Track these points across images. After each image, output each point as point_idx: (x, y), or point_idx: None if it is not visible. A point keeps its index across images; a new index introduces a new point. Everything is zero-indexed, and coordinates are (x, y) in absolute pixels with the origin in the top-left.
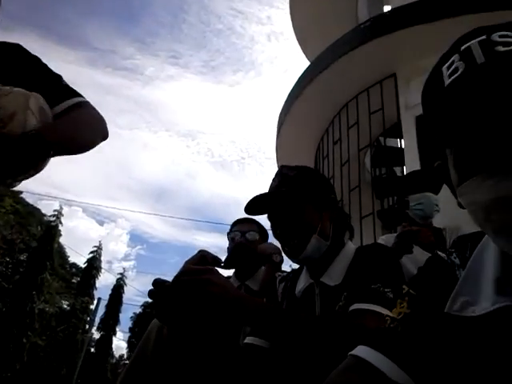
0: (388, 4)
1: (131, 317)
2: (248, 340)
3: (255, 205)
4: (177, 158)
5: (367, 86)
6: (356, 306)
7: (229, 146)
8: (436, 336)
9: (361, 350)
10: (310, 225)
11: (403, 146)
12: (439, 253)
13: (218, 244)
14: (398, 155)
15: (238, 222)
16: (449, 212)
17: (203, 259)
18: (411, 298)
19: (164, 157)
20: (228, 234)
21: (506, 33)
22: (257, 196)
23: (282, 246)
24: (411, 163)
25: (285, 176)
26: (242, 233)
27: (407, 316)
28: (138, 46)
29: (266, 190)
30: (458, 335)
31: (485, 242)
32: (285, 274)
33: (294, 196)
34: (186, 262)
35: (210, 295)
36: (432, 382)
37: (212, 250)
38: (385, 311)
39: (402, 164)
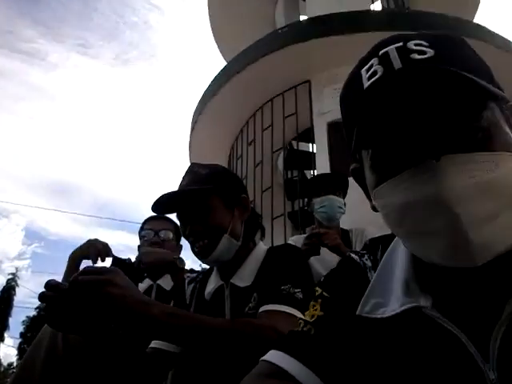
0: (304, 14)
1: (23, 321)
2: (154, 344)
3: (164, 203)
4: (80, 151)
5: (283, 90)
6: (266, 307)
7: (139, 142)
8: (347, 339)
9: (273, 355)
10: (221, 224)
11: (315, 151)
12: (352, 254)
13: (124, 242)
14: (310, 159)
15: (151, 219)
16: (355, 214)
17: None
18: (324, 300)
19: (66, 149)
20: (139, 232)
21: (420, 41)
22: (166, 194)
23: (191, 246)
24: (322, 167)
25: (195, 174)
26: (154, 231)
27: (320, 319)
28: (41, 30)
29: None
30: (368, 337)
31: (395, 245)
32: (194, 275)
33: (204, 194)
34: (73, 253)
35: (109, 297)
36: None
37: (117, 249)
38: (295, 312)
39: (313, 168)
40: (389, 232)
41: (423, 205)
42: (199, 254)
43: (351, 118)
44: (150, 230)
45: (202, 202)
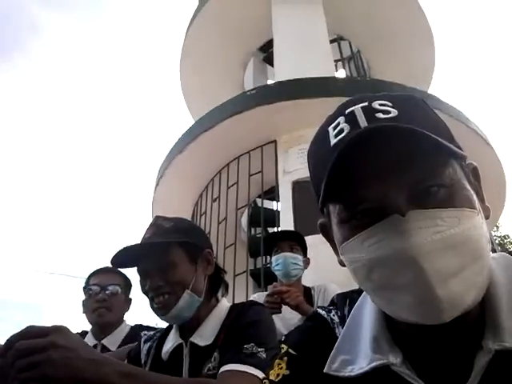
0: (272, 79)
1: None
2: None
3: (125, 256)
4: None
5: (249, 149)
6: (227, 366)
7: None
8: None
9: None
10: (183, 280)
11: (279, 209)
12: (319, 310)
13: None
14: (274, 217)
15: (97, 273)
16: (318, 271)
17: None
18: (291, 358)
19: None
20: (84, 288)
21: (384, 102)
22: (127, 247)
23: (150, 302)
24: (286, 225)
25: (159, 226)
26: (101, 287)
27: (286, 378)
28: None
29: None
30: None
31: (363, 300)
32: (151, 333)
33: (167, 248)
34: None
35: (50, 363)
36: None
37: None
38: (257, 372)
39: (277, 225)
40: (345, 290)
41: (390, 260)
42: (158, 310)
43: (319, 173)
44: (96, 286)
45: (163, 255)
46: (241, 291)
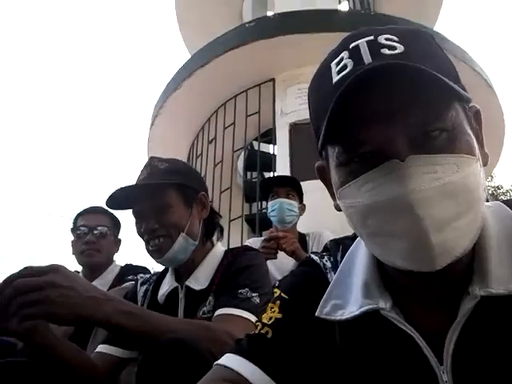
0: (272, 10)
1: None
2: (100, 349)
3: (119, 198)
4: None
5: (247, 87)
6: (221, 310)
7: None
8: (305, 342)
9: (228, 359)
10: (178, 222)
11: (275, 152)
12: (312, 256)
13: None
14: (270, 161)
15: (84, 213)
16: (312, 218)
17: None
18: (283, 302)
19: None
20: (72, 229)
21: (390, 36)
22: (121, 188)
23: (145, 245)
24: (282, 169)
25: (154, 168)
26: (89, 228)
27: (278, 321)
28: None
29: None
30: (326, 339)
31: (356, 247)
32: (147, 276)
33: (162, 190)
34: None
35: (49, 301)
36: None
37: None
38: (251, 316)
39: (274, 170)
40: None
41: (387, 206)
42: (154, 253)
43: (319, 112)
44: (84, 227)
45: (158, 197)
46: (236, 236)
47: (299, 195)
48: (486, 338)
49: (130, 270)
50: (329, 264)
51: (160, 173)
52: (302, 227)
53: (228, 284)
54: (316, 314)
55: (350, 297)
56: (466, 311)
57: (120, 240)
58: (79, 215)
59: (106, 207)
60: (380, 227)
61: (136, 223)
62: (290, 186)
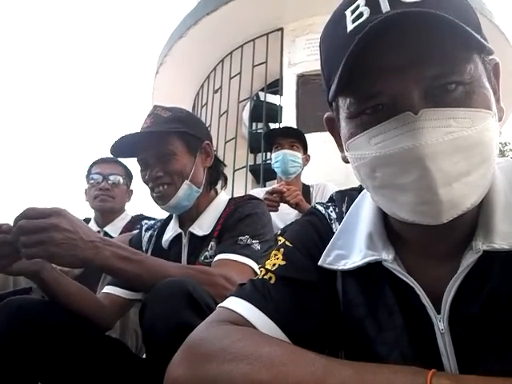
0: None
1: None
2: (106, 289)
3: (123, 146)
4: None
5: (254, 37)
6: (221, 256)
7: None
8: (307, 289)
9: (231, 302)
10: (183, 170)
11: (282, 104)
12: (317, 206)
13: None
14: (276, 112)
15: (99, 162)
16: (317, 170)
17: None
18: (287, 249)
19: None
20: (87, 175)
21: None
22: (125, 136)
23: (150, 192)
24: (288, 121)
25: (158, 116)
26: (103, 176)
27: (281, 268)
28: None
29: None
30: (328, 287)
31: (361, 199)
32: (151, 222)
33: (166, 137)
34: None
35: (54, 243)
36: (302, 334)
37: None
38: (250, 262)
39: (279, 121)
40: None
41: (397, 158)
42: (158, 199)
43: (332, 60)
44: (98, 175)
45: (162, 145)
46: (240, 186)
47: (303, 146)
48: (484, 292)
49: (140, 220)
50: (334, 215)
51: (163, 121)
52: (306, 179)
53: (230, 231)
54: (319, 263)
55: (353, 247)
56: (467, 264)
57: (132, 191)
58: (94, 164)
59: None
60: (388, 180)
61: (141, 171)
62: (294, 138)
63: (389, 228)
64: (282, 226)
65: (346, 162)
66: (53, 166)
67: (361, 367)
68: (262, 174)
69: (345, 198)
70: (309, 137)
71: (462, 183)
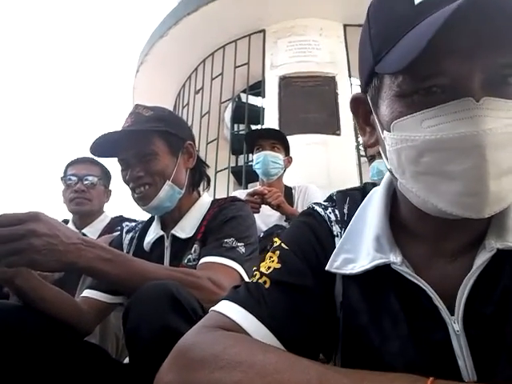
0: None
1: None
2: (86, 293)
3: (103, 145)
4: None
5: (236, 37)
6: (206, 258)
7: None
8: (304, 293)
9: (224, 306)
10: (164, 170)
11: (264, 105)
12: (316, 207)
13: None
14: (258, 113)
15: (74, 163)
16: (299, 172)
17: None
18: (283, 252)
19: None
20: (62, 177)
21: None
22: (105, 134)
23: (131, 192)
24: (270, 123)
25: (139, 115)
26: (78, 177)
27: (276, 271)
28: None
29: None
30: (325, 293)
31: (368, 201)
32: (132, 224)
33: (147, 137)
34: None
35: (32, 250)
36: (296, 340)
37: None
38: (235, 265)
39: (261, 123)
40: (325, 192)
41: (453, 144)
42: (139, 200)
43: (388, 32)
44: (74, 176)
45: (144, 145)
46: (221, 188)
47: (285, 148)
48: (498, 291)
49: (120, 222)
50: (333, 216)
51: (145, 120)
52: (288, 181)
53: (214, 233)
54: (326, 268)
55: (360, 251)
56: (481, 263)
57: (110, 191)
58: (69, 165)
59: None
60: (435, 166)
61: (121, 171)
62: (275, 139)
63: (395, 230)
64: (264, 229)
65: (370, 146)
66: (29, 167)
67: (358, 375)
68: (244, 175)
69: (346, 199)
70: (291, 139)
71: (509, 179)
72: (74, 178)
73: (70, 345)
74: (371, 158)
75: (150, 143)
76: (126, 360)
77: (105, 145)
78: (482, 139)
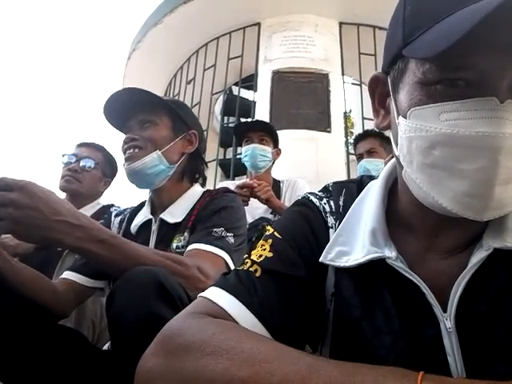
0: None
1: None
2: (65, 275)
3: (114, 109)
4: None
5: (230, 29)
6: (195, 245)
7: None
8: (294, 283)
9: (213, 293)
10: (158, 140)
11: (255, 99)
12: (311, 197)
13: None
14: (249, 107)
15: (80, 146)
16: (289, 167)
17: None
18: (275, 241)
19: None
20: (63, 155)
21: None
22: (119, 91)
23: (123, 152)
24: (261, 117)
25: (153, 94)
26: (77, 158)
27: (268, 260)
28: None
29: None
30: (316, 284)
31: (365, 194)
32: (121, 208)
33: (155, 109)
34: None
35: (14, 221)
36: (283, 330)
37: None
38: (223, 254)
39: (252, 116)
40: (314, 188)
41: (468, 142)
42: (126, 160)
43: (424, 13)
44: (74, 156)
45: (149, 114)
46: (209, 180)
47: (273, 140)
48: (492, 290)
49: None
50: (328, 207)
51: (156, 94)
52: (277, 175)
53: (204, 222)
54: (320, 259)
55: (355, 244)
56: (476, 261)
57: (109, 181)
58: (76, 146)
59: (107, 125)
60: (446, 161)
61: (124, 139)
62: (264, 131)
63: (391, 224)
64: (251, 221)
65: (382, 129)
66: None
67: (348, 367)
68: (232, 168)
69: (342, 191)
70: (281, 134)
71: None
72: (72, 157)
73: (44, 327)
74: (359, 157)
75: (155, 114)
76: (105, 347)
77: (116, 108)
78: (499, 142)
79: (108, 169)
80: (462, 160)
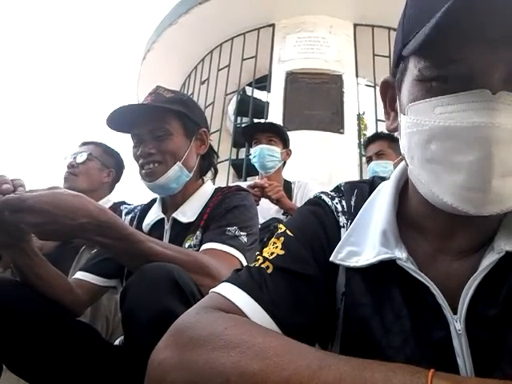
0: None
1: None
2: (78, 275)
3: (120, 119)
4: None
5: (245, 30)
6: (209, 245)
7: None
8: (305, 281)
9: (224, 288)
10: (177, 151)
11: (269, 100)
12: (323, 196)
13: None
14: (263, 108)
15: (82, 145)
16: (301, 168)
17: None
18: (287, 239)
19: None
20: (65, 157)
21: None
22: (123, 106)
23: (139, 169)
24: (274, 117)
25: (159, 95)
26: (75, 155)
27: (279, 257)
28: None
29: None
30: (327, 283)
31: (376, 194)
32: (131, 206)
33: (165, 115)
34: None
35: (33, 226)
36: (294, 327)
37: None
38: (237, 254)
39: (265, 117)
40: (325, 189)
41: (461, 134)
42: (147, 176)
43: (421, 13)
44: (73, 155)
45: (159, 123)
46: (221, 180)
47: (282, 141)
48: (503, 293)
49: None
50: (340, 207)
51: (164, 101)
52: (289, 176)
53: (217, 221)
54: (331, 259)
55: (366, 244)
56: (488, 264)
57: (112, 171)
58: (78, 146)
59: (109, 129)
60: (442, 155)
61: (133, 147)
62: (272, 132)
63: (402, 225)
64: (262, 221)
65: (392, 131)
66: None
67: (359, 363)
68: (244, 168)
69: (354, 191)
70: (294, 134)
71: None
72: (72, 157)
73: (63, 322)
74: (369, 159)
75: (166, 122)
76: (116, 342)
77: (121, 119)
78: (491, 132)
79: (108, 159)
80: (456, 153)
